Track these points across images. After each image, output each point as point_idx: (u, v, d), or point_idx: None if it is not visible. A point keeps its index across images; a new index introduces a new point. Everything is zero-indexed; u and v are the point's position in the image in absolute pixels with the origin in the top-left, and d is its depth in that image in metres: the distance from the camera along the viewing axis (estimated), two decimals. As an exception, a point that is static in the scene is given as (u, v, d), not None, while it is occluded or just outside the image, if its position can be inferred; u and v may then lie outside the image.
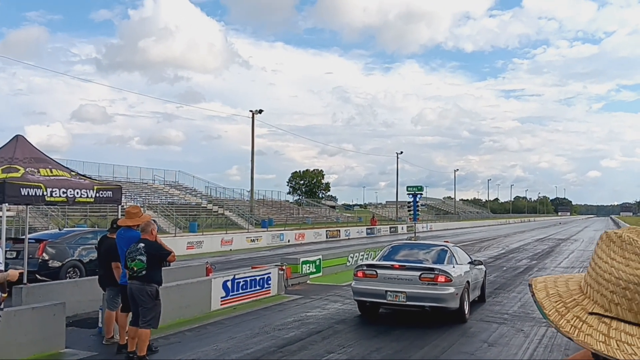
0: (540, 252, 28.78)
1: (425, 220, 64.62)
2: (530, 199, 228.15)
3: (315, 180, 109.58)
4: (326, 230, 41.48)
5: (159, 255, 7.54)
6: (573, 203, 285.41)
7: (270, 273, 13.09)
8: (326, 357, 7.74)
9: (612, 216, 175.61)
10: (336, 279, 16.29)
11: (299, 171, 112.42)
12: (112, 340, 8.35)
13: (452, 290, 9.58)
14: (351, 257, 19.26)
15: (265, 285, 12.82)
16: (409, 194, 31.93)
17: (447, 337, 9.04)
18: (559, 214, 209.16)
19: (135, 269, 7.33)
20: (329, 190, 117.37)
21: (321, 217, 66.02)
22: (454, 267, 10.18)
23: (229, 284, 11.60)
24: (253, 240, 32.26)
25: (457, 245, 12.79)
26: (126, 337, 7.70)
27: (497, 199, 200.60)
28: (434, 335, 9.07)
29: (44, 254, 13.94)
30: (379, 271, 10.01)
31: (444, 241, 13.05)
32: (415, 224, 34.33)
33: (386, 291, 9.73)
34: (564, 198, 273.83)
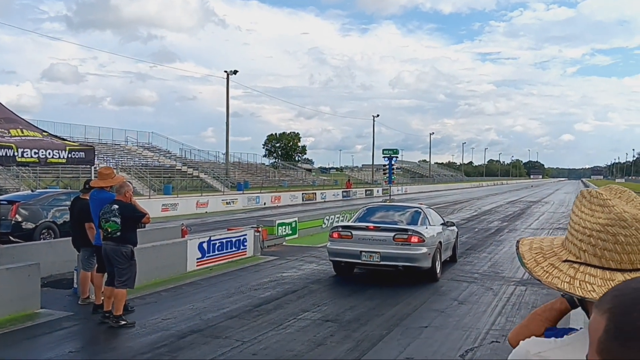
0: (512, 214, 29.36)
1: (400, 184, 65.20)
2: (504, 162, 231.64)
3: (291, 143, 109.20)
4: (302, 193, 41.59)
5: (134, 217, 7.53)
6: (545, 166, 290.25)
7: (246, 235, 13.16)
8: (301, 315, 7.89)
9: (583, 179, 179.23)
10: (312, 240, 16.46)
11: (275, 134, 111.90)
12: (87, 300, 8.38)
13: (424, 250, 9.83)
14: (327, 219, 19.44)
15: (241, 247, 12.90)
16: (384, 157, 32.12)
17: (419, 295, 9.27)
18: (532, 177, 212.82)
19: (109, 230, 7.32)
20: (305, 154, 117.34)
21: (297, 180, 66.20)
22: (426, 228, 10.41)
23: (204, 245, 11.65)
24: (229, 203, 32.24)
25: (431, 207, 12.98)
26: (102, 297, 7.73)
27: (471, 162, 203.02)
28: (406, 294, 9.30)
29: (17, 216, 13.92)
30: (353, 232, 10.20)
31: (419, 204, 13.46)
32: (390, 187, 34.63)
33: (361, 251, 9.96)
34: (537, 161, 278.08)
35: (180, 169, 50.03)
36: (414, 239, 9.81)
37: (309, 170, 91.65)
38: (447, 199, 45.50)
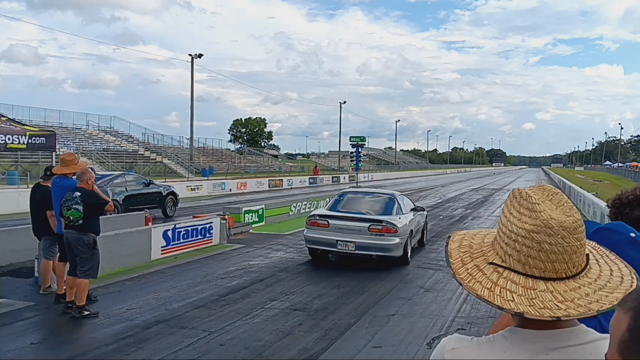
0: (475, 201, 29.85)
1: (366, 170, 65.56)
2: (467, 149, 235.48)
3: (257, 128, 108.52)
4: (269, 180, 41.40)
5: (96, 205, 7.33)
6: (507, 154, 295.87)
7: (212, 222, 13.02)
8: (269, 304, 7.86)
9: (544, 167, 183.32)
10: (279, 228, 16.41)
11: (241, 119, 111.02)
12: (49, 290, 8.17)
13: (397, 240, 10.22)
14: (294, 206, 19.41)
15: (207, 235, 12.77)
16: (351, 144, 32.17)
17: (386, 283, 9.34)
18: (494, 164, 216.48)
19: (71, 218, 7.12)
20: (271, 139, 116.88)
21: (263, 166, 65.86)
22: (399, 217, 10.74)
23: (169, 233, 11.48)
24: (193, 190, 31.84)
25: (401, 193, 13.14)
26: (64, 287, 7.54)
27: (435, 150, 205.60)
28: (373, 282, 9.35)
29: None
30: (330, 221, 10.46)
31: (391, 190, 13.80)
32: (357, 174, 34.76)
33: (337, 240, 10.28)
34: (499, 149, 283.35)
35: (143, 154, 49.18)
36: (388, 230, 10.16)
37: (276, 156, 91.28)
38: (412, 186, 45.96)
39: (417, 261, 11.34)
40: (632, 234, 1.57)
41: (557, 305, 1.03)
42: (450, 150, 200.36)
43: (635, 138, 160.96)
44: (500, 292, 1.06)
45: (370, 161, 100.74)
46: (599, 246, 1.22)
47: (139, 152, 49.44)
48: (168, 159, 49.25)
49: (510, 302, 1.04)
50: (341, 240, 10.23)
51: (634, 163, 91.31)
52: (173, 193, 20.45)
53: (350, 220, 10.37)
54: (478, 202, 29.51)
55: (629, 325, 0.81)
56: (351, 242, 10.17)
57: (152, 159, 48.13)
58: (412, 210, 11.86)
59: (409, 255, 10.94)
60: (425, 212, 13.37)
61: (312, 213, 11.65)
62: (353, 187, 31.49)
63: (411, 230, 11.09)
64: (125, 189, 17.83)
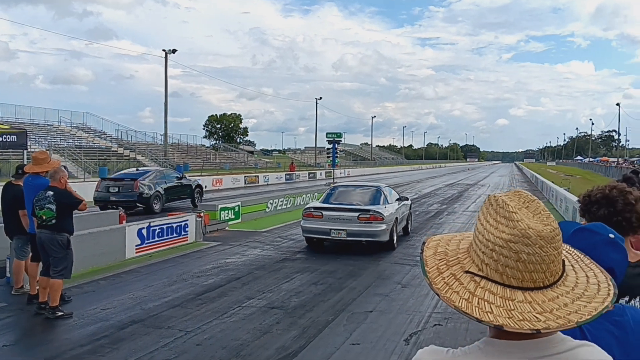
0: (450, 196, 30.12)
1: (343, 166, 65.68)
2: (442, 145, 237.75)
3: (232, 124, 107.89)
4: (245, 176, 41.16)
5: (69, 204, 7.21)
6: (481, 150, 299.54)
7: (187, 220, 12.91)
8: (246, 303, 7.82)
9: (516, 162, 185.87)
10: (255, 225, 16.35)
11: (216, 115, 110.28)
12: (21, 290, 8.02)
13: (383, 227, 11.36)
14: (270, 203, 19.35)
15: (183, 233, 12.66)
16: (328, 141, 32.18)
17: (364, 280, 9.37)
18: (468, 160, 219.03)
19: (44, 217, 6.99)
20: (247, 135, 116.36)
21: (239, 163, 65.51)
22: (385, 207, 11.86)
23: (144, 231, 11.35)
24: (169, 186, 31.49)
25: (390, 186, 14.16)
26: (37, 287, 7.41)
27: (411, 146, 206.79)
28: (350, 279, 9.38)
29: (139, 188, 18.84)
30: (324, 212, 11.63)
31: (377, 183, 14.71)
32: (333, 170, 34.80)
33: (330, 229, 11.45)
34: (473, 145, 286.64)
35: (116, 151, 48.52)
36: (375, 218, 11.32)
37: (251, 152, 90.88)
38: (388, 182, 46.05)
39: (394, 257, 11.41)
40: (611, 235, 1.58)
41: (536, 317, 1.02)
42: (425, 146, 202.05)
43: (606, 133, 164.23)
44: (478, 303, 1.05)
45: (346, 157, 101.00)
46: (573, 250, 1.21)
47: (112, 149, 48.76)
48: (142, 156, 48.67)
49: (488, 314, 1.03)
50: (334, 229, 11.36)
51: (605, 158, 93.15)
52: (200, 186, 22.91)
53: (341, 211, 11.51)
54: (453, 197, 29.79)
55: None
56: (343, 230, 11.29)
57: (125, 156, 47.50)
58: (397, 200, 12.98)
59: (395, 241, 12.05)
60: (409, 202, 14.46)
61: (307, 206, 12.62)
62: (330, 182, 31.56)
63: (396, 218, 12.18)
64: (165, 182, 20.18)
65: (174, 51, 47.26)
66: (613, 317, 1.23)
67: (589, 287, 1.10)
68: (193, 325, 6.74)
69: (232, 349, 5.97)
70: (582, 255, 1.20)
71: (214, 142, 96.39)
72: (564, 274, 1.10)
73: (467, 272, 1.10)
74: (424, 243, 1.22)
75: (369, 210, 11.39)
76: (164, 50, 47.00)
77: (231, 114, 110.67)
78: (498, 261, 1.06)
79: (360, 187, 13.38)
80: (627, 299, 2.09)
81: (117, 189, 18.88)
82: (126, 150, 49.47)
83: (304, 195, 22.71)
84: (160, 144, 53.86)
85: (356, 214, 11.37)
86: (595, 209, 2.19)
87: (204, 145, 76.94)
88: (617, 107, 79.70)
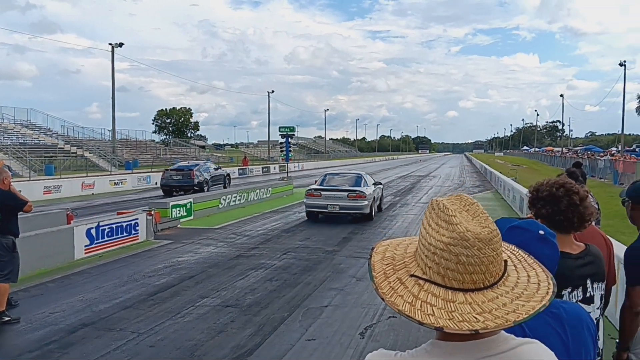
0: (403, 188, 30.56)
1: (296, 160, 65.60)
2: (395, 137, 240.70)
3: (183, 118, 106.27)
4: (196, 171, 40.55)
5: (14, 206, 6.96)
6: (432, 141, 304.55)
7: (137, 219, 12.64)
8: (199, 302, 7.72)
9: (466, 153, 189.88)
10: (209, 221, 16.16)
11: (166, 109, 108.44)
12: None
13: (365, 202, 15.49)
14: (223, 199, 19.14)
15: (133, 232, 12.39)
16: (281, 135, 32.02)
17: (319, 274, 9.39)
18: (420, 151, 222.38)
19: (-14, 220, 6.70)
20: (198, 130, 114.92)
21: (190, 158, 64.37)
22: (366, 188, 15.98)
23: (93, 231, 11.05)
24: (117, 184, 30.76)
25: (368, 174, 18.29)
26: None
27: (364, 138, 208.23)
28: (305, 274, 9.39)
29: (195, 176, 25.18)
30: (322, 192, 15.69)
31: (315, 180, 17.78)
32: (287, 164, 34.67)
33: (327, 205, 15.56)
34: (424, 137, 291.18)
35: (63, 148, 47.01)
36: (360, 196, 15.44)
37: (203, 147, 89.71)
38: (341, 174, 46.37)
39: (348, 250, 11.49)
40: (541, 231, 1.64)
41: (476, 318, 1.04)
42: (378, 139, 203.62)
43: (550, 124, 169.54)
44: (421, 306, 1.06)
45: (300, 150, 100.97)
46: (518, 250, 1.24)
47: (59, 146, 47.20)
48: (89, 152, 47.33)
49: (430, 316, 1.04)
50: (330, 204, 15.49)
51: (550, 148, 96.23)
52: (229, 175, 30.61)
53: (335, 191, 15.71)
54: (406, 189, 30.23)
55: None
56: (337, 205, 15.45)
57: (72, 153, 46.10)
58: (373, 184, 17.05)
59: (373, 214, 16.30)
60: (382, 186, 19.04)
61: (308, 188, 16.59)
62: (284, 177, 31.53)
63: (374, 197, 16.48)
64: (208, 172, 26.91)
65: (120, 45, 46.06)
66: (550, 309, 1.28)
67: (529, 286, 1.12)
68: (145, 326, 6.61)
69: (187, 350, 5.89)
70: (527, 255, 1.23)
71: (164, 137, 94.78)
72: (505, 274, 1.12)
73: (412, 275, 1.12)
74: (373, 248, 1.23)
75: (355, 190, 15.54)
76: (110, 44, 45.75)
77: (181, 108, 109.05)
78: (440, 264, 1.08)
79: (345, 174, 17.71)
80: (569, 289, 2.15)
81: (179, 177, 25.16)
82: (73, 147, 48.03)
83: (258, 190, 22.55)
84: (109, 140, 52.41)
85: (346, 193, 15.49)
86: (540, 205, 2.25)
87: (154, 141, 75.50)
88: (561, 98, 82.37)
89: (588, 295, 2.20)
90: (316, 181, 17.33)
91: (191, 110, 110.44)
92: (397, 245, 1.23)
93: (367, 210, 15.52)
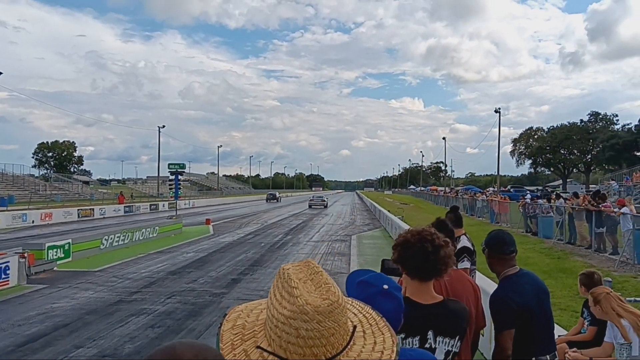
0: (295, 226, 30.69)
1: (187, 197, 64.01)
2: (289, 175, 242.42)
3: (65, 152, 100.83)
4: (78, 209, 38.32)
5: None
6: (325, 179, 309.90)
7: (8, 262, 11.67)
8: (74, 352, 7.20)
9: (357, 191, 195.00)
10: (89, 263, 15.24)
11: (47, 142, 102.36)
12: None
13: (327, 201, 61.79)
14: (105, 239, 18.15)
15: (3, 276, 11.43)
16: (170, 172, 31.19)
17: (204, 319, 9.11)
18: (313, 189, 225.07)
19: None
20: (82, 164, 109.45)
21: (73, 194, 60.99)
22: (327, 198, 66.07)
23: (-46, 276, 10.07)
24: (-11, 222, 28.37)
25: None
26: None
27: (258, 175, 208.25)
28: (190, 319, 9.06)
29: None
30: (315, 201, 59.66)
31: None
32: (176, 202, 33.72)
33: (314, 204, 58.52)
34: (318, 174, 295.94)
35: None
36: (325, 199, 61.15)
37: (87, 182, 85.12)
38: (235, 212, 45.90)
39: (237, 292, 11.29)
40: (385, 286, 1.67)
41: None
42: (272, 176, 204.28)
43: (435, 164, 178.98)
44: None
45: (191, 187, 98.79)
46: (372, 313, 1.24)
47: None
48: (-43, 187, 43.38)
49: None
50: (318, 203, 58.37)
51: (434, 187, 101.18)
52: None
53: (318, 200, 59.53)
54: (298, 227, 30.39)
55: None
56: (322, 204, 58.17)
57: (-64, 188, 42.00)
58: (326, 197, 65.55)
59: (327, 205, 58.35)
60: (328, 198, 66.50)
61: (310, 198, 64.78)
62: (172, 215, 30.63)
63: (327, 198, 65.45)
64: None
65: (-2, 73, 43.14)
66: None
67: (372, 354, 1.12)
68: (9, 384, 6.04)
69: (55, 408, 5.43)
70: (379, 318, 1.23)
71: (45, 171, 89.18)
72: (351, 343, 1.12)
73: (258, 347, 1.09)
74: (224, 315, 1.19)
75: (324, 199, 61.03)
76: (-15, 71, 42.67)
77: (64, 141, 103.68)
78: (281, 337, 1.07)
79: (320, 195, 74.15)
80: (403, 335, 2.19)
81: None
82: (-63, 181, 43.78)
83: (144, 230, 21.64)
84: (-19, 174, 48.38)
85: (322, 200, 59.60)
86: (395, 251, 2.30)
87: (33, 175, 70.72)
88: (444, 140, 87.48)
89: (428, 346, 2.21)
90: None
91: (75, 143, 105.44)
92: (251, 311, 1.20)
93: (326, 204, 56.79)
